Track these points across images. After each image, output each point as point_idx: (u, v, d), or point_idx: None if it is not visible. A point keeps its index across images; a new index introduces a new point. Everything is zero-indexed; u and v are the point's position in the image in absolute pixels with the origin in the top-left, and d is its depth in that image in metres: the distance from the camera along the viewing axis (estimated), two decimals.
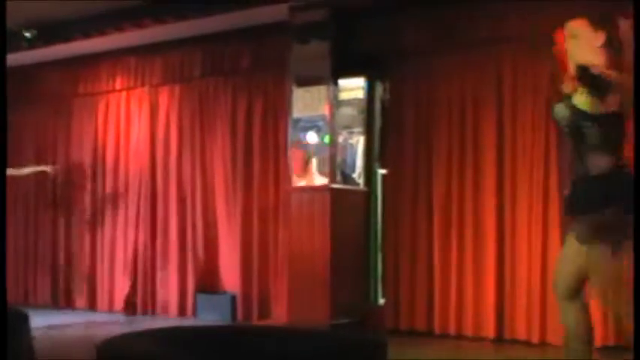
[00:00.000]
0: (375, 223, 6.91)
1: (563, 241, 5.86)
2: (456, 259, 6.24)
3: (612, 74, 3.25)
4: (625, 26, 3.33)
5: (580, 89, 3.28)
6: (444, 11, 6.39)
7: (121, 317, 7.53)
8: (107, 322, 7.27)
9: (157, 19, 7.24)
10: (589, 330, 3.41)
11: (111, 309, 8.00)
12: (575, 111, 3.28)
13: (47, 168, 7.36)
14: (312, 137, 6.62)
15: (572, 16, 5.78)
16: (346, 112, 6.79)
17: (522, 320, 5.93)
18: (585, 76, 3.24)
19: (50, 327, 6.48)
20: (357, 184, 6.89)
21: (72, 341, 6.18)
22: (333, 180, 6.58)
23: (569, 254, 3.41)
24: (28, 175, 7.53)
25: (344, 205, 6.59)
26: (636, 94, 5.38)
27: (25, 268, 8.74)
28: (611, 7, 5.60)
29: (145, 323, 6.93)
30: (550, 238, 5.89)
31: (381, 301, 6.80)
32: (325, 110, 6.57)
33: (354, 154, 7.01)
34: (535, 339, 5.84)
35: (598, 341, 5.56)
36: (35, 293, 8.62)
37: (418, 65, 6.55)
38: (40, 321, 6.36)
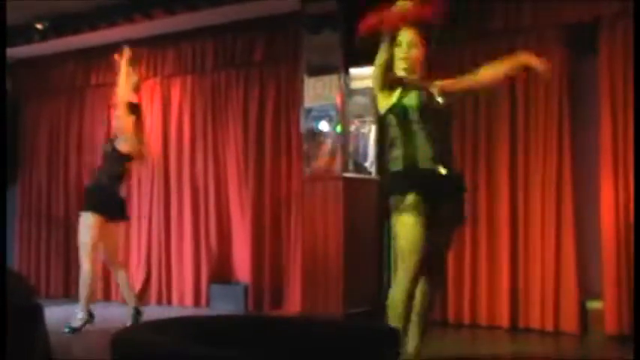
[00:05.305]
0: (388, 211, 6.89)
1: (575, 229, 5.87)
2: (470, 247, 6.22)
3: None
4: None
5: None
6: (456, 1, 6.35)
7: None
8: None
9: (169, 10, 7.25)
10: None
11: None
12: None
13: None
14: (324, 126, 6.61)
15: (583, 8, 5.81)
16: (358, 100, 6.77)
17: (536, 309, 5.91)
18: None
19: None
20: (370, 173, 6.88)
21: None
22: (345, 169, 6.57)
23: None
24: None
25: (357, 193, 6.59)
26: (636, 94, 5.35)
27: (37, 258, 8.79)
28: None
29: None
30: (563, 227, 5.87)
31: None
32: (337, 99, 6.56)
33: (367, 142, 7.00)
34: (549, 327, 5.83)
35: (609, 330, 5.56)
36: (48, 284, 8.66)
37: (430, 54, 6.50)
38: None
